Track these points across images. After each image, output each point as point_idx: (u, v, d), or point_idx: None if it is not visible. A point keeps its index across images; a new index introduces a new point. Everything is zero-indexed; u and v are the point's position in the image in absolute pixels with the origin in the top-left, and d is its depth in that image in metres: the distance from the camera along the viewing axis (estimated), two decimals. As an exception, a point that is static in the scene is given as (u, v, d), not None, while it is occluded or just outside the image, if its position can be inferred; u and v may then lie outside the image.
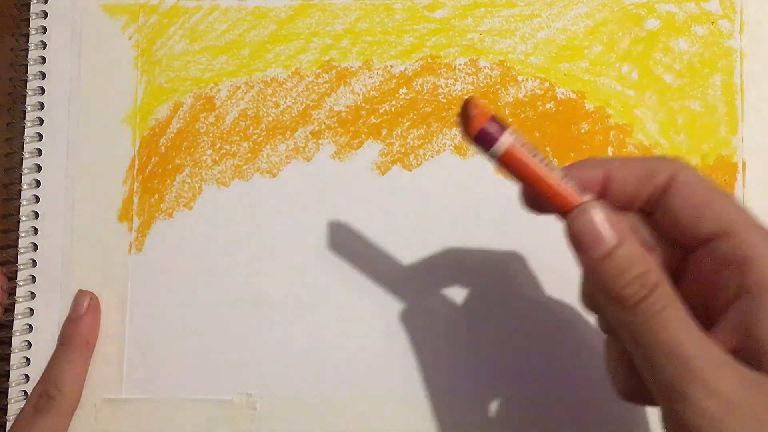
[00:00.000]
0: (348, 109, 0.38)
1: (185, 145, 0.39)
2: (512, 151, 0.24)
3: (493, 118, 0.24)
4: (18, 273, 0.38)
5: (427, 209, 0.37)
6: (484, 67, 0.38)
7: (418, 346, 0.37)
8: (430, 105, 0.38)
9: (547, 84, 0.38)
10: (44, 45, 0.39)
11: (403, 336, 0.37)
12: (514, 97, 0.38)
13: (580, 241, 0.23)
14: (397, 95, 0.38)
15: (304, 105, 0.39)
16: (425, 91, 0.38)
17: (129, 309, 0.38)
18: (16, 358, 0.37)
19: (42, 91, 0.39)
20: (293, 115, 0.39)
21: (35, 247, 0.38)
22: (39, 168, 0.38)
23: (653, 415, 0.36)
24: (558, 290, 0.37)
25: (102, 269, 0.38)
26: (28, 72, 0.39)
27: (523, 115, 0.38)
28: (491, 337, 0.37)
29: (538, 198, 0.24)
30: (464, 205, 0.37)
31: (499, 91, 0.38)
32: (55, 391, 0.35)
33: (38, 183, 0.38)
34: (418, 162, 0.38)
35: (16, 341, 0.37)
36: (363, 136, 0.38)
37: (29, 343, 0.37)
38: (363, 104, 0.38)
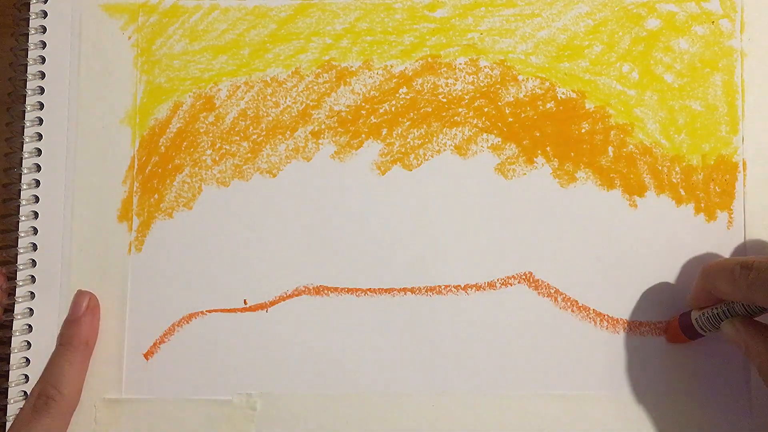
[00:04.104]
0: (348, 109, 0.38)
1: (185, 145, 0.39)
2: None
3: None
4: (18, 273, 0.38)
5: (427, 209, 0.37)
6: (485, 67, 0.38)
7: (417, 346, 0.37)
8: (430, 105, 0.38)
9: (547, 83, 0.38)
10: (44, 45, 0.39)
11: (402, 336, 0.37)
12: (515, 96, 0.38)
13: None
14: (397, 95, 0.38)
15: (304, 105, 0.38)
16: (425, 90, 0.38)
17: (129, 309, 0.37)
18: (15, 358, 0.37)
19: (41, 90, 0.39)
20: (293, 115, 0.38)
21: (35, 247, 0.38)
22: (38, 168, 0.38)
23: (647, 413, 0.36)
24: (558, 289, 0.37)
25: (102, 269, 0.38)
26: (28, 72, 0.39)
27: (523, 115, 0.38)
28: (491, 335, 0.37)
29: None
30: (464, 205, 0.37)
31: (500, 91, 0.38)
32: (54, 392, 0.35)
33: (38, 183, 0.38)
34: (418, 162, 0.38)
35: (16, 341, 0.37)
36: (363, 136, 0.38)
37: (29, 344, 0.37)
38: (363, 104, 0.38)
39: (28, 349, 0.37)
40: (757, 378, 0.36)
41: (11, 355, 0.37)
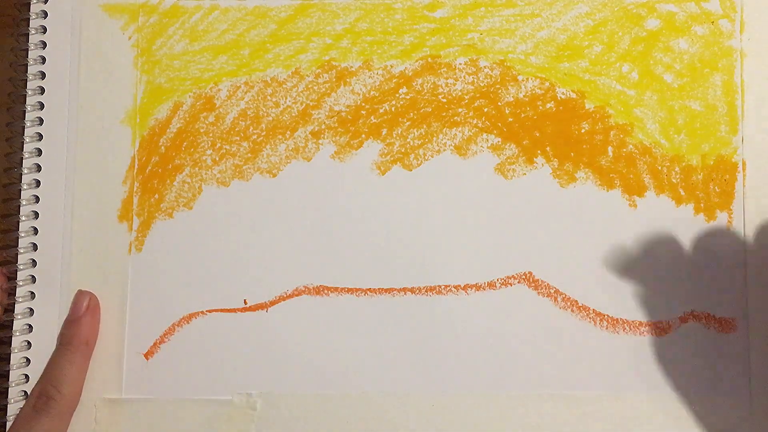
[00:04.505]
0: (348, 109, 0.38)
1: (185, 145, 0.39)
2: None
3: None
4: (18, 273, 0.38)
5: (427, 209, 0.37)
6: (484, 67, 0.38)
7: (417, 346, 0.37)
8: (430, 105, 0.38)
9: (547, 84, 0.38)
10: (44, 45, 0.39)
11: (402, 336, 0.37)
12: (515, 96, 0.38)
13: None
14: (397, 95, 0.38)
15: (304, 105, 0.39)
16: (425, 90, 0.38)
17: (129, 309, 0.38)
18: (15, 358, 0.37)
19: (42, 90, 0.39)
20: (293, 115, 0.39)
21: (35, 247, 0.38)
22: (39, 168, 0.38)
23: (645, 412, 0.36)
24: (558, 289, 0.37)
25: (102, 269, 0.38)
26: (28, 72, 0.39)
27: (523, 115, 0.38)
28: (491, 335, 0.37)
29: None
30: (464, 205, 0.37)
31: (499, 91, 0.38)
32: (54, 392, 0.35)
33: (38, 183, 0.38)
34: (418, 162, 0.38)
35: (16, 341, 0.37)
36: (363, 136, 0.38)
37: (29, 343, 0.37)
38: (363, 104, 0.38)
39: (29, 349, 0.37)
40: (757, 378, 0.36)
41: (11, 354, 0.37)
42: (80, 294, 0.37)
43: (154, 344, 0.37)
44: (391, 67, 0.38)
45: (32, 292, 0.38)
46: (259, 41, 0.39)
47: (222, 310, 0.37)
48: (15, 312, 0.37)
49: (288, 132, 0.38)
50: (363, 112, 0.38)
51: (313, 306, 0.37)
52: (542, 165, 0.37)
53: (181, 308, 0.37)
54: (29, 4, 0.39)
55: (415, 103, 0.38)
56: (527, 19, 0.38)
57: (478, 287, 0.37)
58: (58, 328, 0.37)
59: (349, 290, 0.37)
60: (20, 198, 0.38)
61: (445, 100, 0.38)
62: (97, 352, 0.37)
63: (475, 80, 0.38)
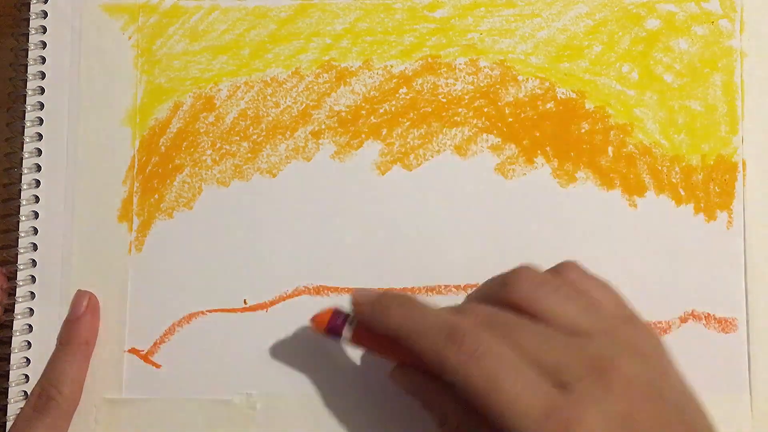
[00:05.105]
0: (348, 109, 0.38)
1: (185, 145, 0.39)
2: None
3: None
4: (18, 273, 0.38)
5: (427, 209, 0.37)
6: (484, 67, 0.38)
7: (418, 346, 0.37)
8: (430, 105, 0.38)
9: (547, 84, 0.38)
10: (44, 45, 0.39)
11: (403, 336, 0.37)
12: (514, 96, 0.38)
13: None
14: (397, 95, 0.38)
15: (304, 105, 0.39)
16: (425, 90, 0.38)
17: (129, 309, 0.38)
18: (15, 358, 0.37)
19: (42, 91, 0.39)
20: (293, 115, 0.39)
21: (35, 247, 0.38)
22: (39, 168, 0.38)
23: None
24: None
25: (102, 269, 0.38)
26: (28, 72, 0.39)
27: (523, 115, 0.38)
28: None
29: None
30: (464, 205, 0.37)
31: (499, 91, 0.38)
32: (54, 392, 0.35)
33: (38, 183, 0.38)
34: (418, 162, 0.38)
35: (16, 341, 0.37)
36: (363, 136, 0.38)
37: (29, 343, 0.37)
38: (363, 104, 0.38)
39: (28, 349, 0.37)
40: (757, 378, 0.36)
41: (11, 354, 0.37)
42: (80, 294, 0.37)
43: (154, 344, 0.37)
44: (391, 67, 0.38)
45: (32, 292, 0.38)
46: (259, 41, 0.39)
47: (222, 310, 0.37)
48: (15, 312, 0.37)
49: (288, 132, 0.38)
50: (363, 112, 0.38)
51: (313, 306, 0.37)
52: (542, 165, 0.37)
53: (181, 308, 0.37)
54: (29, 4, 0.39)
55: (415, 103, 0.38)
56: (527, 19, 0.38)
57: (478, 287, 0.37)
58: (58, 328, 0.37)
59: (349, 290, 0.37)
60: (20, 198, 0.38)
61: (445, 100, 0.38)
62: (97, 352, 0.37)
63: (475, 80, 0.38)
